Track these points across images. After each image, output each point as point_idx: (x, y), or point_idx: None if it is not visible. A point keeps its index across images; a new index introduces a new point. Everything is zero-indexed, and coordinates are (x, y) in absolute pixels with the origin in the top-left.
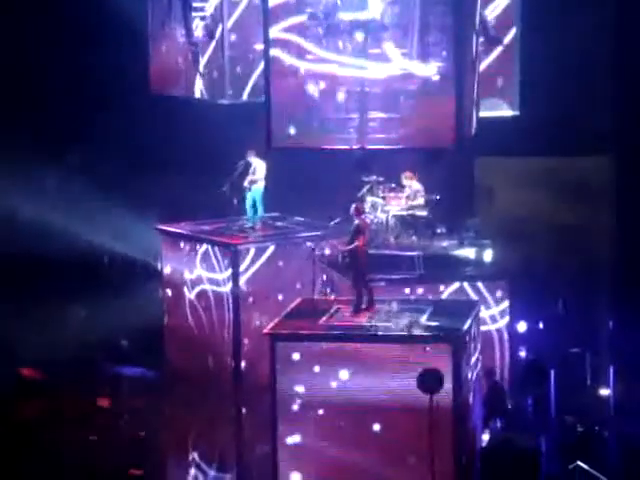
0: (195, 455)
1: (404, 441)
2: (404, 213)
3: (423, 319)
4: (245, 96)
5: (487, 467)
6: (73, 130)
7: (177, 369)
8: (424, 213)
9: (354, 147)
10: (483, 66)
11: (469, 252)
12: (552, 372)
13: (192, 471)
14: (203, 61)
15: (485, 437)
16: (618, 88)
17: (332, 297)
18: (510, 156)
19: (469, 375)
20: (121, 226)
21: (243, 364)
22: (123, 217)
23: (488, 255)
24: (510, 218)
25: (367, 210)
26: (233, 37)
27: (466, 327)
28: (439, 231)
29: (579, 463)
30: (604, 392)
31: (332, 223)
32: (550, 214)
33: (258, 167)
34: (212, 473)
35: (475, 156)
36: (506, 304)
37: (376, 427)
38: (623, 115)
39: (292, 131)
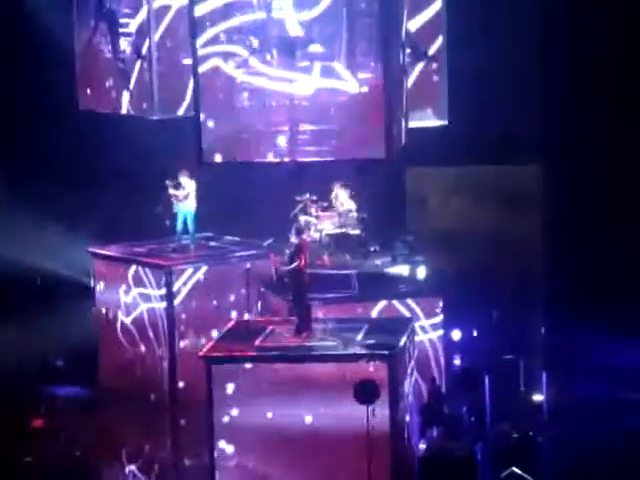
0: (132, 472)
1: (341, 459)
2: (337, 232)
3: (359, 337)
4: (182, 111)
5: (425, 475)
6: None
7: (112, 388)
8: (357, 231)
9: (285, 160)
10: (411, 78)
11: (403, 269)
12: (486, 379)
13: None
14: (133, 78)
15: (422, 446)
16: (545, 95)
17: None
18: (441, 166)
19: (406, 389)
20: (52, 245)
21: (180, 383)
22: (53, 236)
23: (421, 272)
24: (442, 227)
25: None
26: (161, 52)
27: (401, 344)
28: (372, 249)
29: (514, 469)
30: (538, 398)
31: (265, 244)
32: (482, 223)
33: (188, 187)
34: None
35: (406, 167)
36: (439, 318)
37: (312, 446)
38: (550, 122)
39: (222, 145)
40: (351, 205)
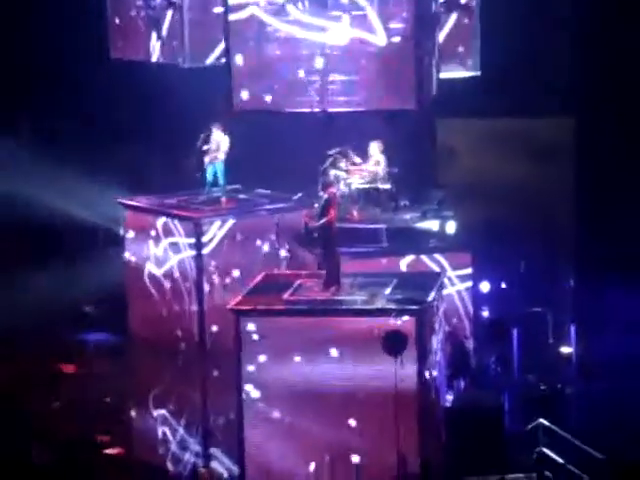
0: (161, 419)
1: (369, 412)
2: (367, 186)
3: (387, 291)
4: (211, 60)
5: (452, 426)
6: (26, 99)
7: (141, 335)
8: (387, 186)
9: (315, 110)
10: (445, 29)
11: (432, 224)
12: (514, 331)
13: (159, 435)
14: (164, 26)
15: (449, 397)
16: (579, 48)
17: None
18: (472, 117)
19: (434, 344)
20: (82, 193)
21: (208, 333)
22: (84, 184)
23: (451, 227)
24: (472, 179)
25: (331, 181)
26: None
27: (430, 298)
28: (402, 204)
29: (541, 420)
30: (566, 350)
31: (295, 197)
32: (513, 175)
33: (222, 142)
34: (178, 437)
35: (436, 118)
36: (468, 270)
37: (341, 398)
38: (584, 75)
39: (253, 94)
40: (381, 159)
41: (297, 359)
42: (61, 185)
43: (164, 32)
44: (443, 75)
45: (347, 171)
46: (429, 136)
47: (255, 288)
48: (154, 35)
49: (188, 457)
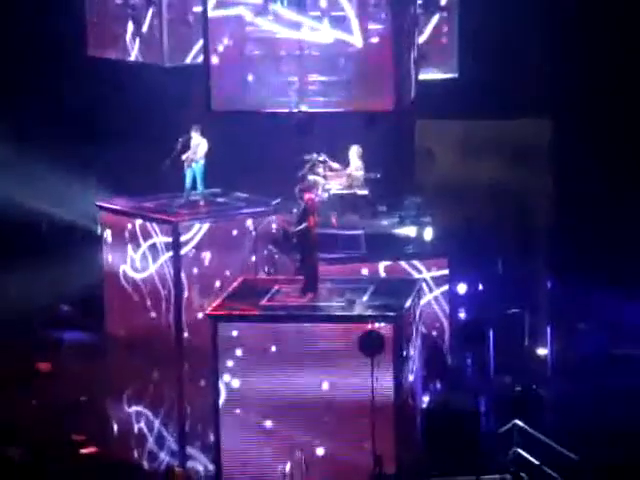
0: (137, 417)
1: (345, 418)
2: (345, 192)
3: (365, 298)
4: (189, 59)
5: (428, 427)
6: (5, 98)
7: (117, 335)
8: (365, 192)
9: (294, 110)
10: (425, 31)
11: (410, 230)
12: (491, 332)
13: (135, 434)
14: (145, 25)
15: (425, 398)
16: (557, 49)
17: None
18: (450, 119)
19: (411, 351)
20: (60, 191)
21: (185, 334)
22: (61, 182)
23: (428, 233)
24: (450, 181)
25: (308, 187)
26: None
27: (407, 305)
28: (380, 209)
29: (517, 422)
30: (542, 352)
31: (273, 203)
32: (490, 177)
33: (200, 145)
34: (154, 436)
35: (415, 119)
36: (444, 272)
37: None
38: (561, 76)
39: (231, 94)
40: (360, 164)
41: (273, 365)
42: (39, 183)
43: (143, 30)
44: (422, 77)
45: (325, 177)
46: (408, 137)
47: (233, 293)
48: (133, 34)
49: (164, 456)
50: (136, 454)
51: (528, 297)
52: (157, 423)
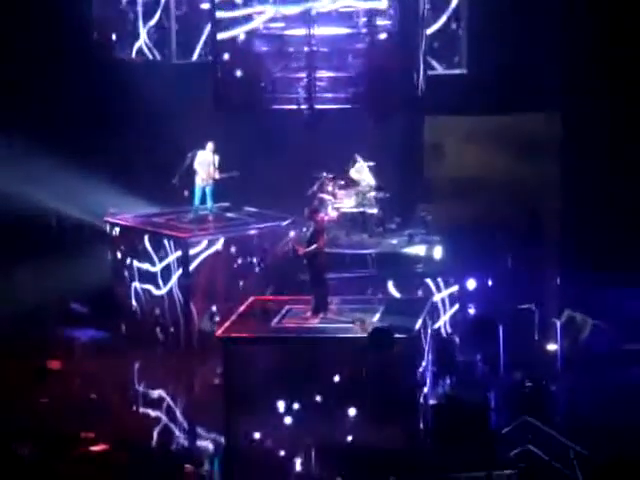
0: (147, 413)
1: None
2: (354, 210)
3: (375, 318)
4: (195, 56)
5: (438, 423)
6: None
7: (128, 332)
8: (374, 210)
9: (302, 107)
10: (433, 26)
11: (419, 249)
12: (501, 328)
13: (144, 432)
14: (152, 21)
15: (436, 394)
16: (565, 44)
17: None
18: (459, 114)
19: (422, 367)
20: (70, 189)
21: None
22: (72, 179)
23: (438, 252)
24: (459, 176)
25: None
26: None
27: (417, 326)
28: (390, 226)
29: (527, 417)
30: (552, 347)
31: (284, 223)
32: (500, 171)
33: (213, 163)
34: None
35: (424, 115)
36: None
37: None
38: (570, 70)
39: (240, 90)
40: (371, 180)
41: (283, 387)
42: (50, 181)
43: (151, 28)
44: (430, 72)
45: (334, 195)
46: (417, 133)
47: (243, 314)
48: (141, 31)
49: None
50: (145, 451)
51: (538, 293)
52: (167, 420)
